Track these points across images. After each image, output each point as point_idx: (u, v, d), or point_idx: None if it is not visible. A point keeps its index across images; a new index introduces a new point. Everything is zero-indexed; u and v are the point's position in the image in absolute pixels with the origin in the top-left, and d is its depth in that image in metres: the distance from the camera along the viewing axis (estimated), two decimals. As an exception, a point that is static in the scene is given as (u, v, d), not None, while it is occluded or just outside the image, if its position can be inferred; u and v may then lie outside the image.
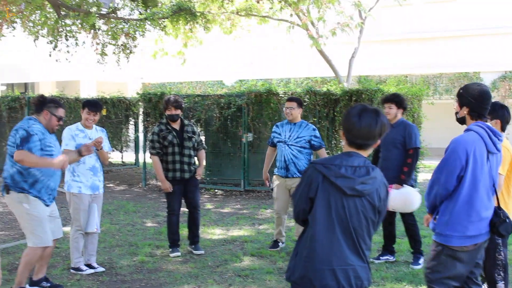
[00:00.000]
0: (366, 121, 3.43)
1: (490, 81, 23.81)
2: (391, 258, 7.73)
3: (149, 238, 9.16)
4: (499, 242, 5.30)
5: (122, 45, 15.88)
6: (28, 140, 5.89)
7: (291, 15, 15.40)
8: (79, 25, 14.69)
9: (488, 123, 4.49)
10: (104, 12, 14.82)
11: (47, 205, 6.16)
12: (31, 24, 15.66)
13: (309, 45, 15.23)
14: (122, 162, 19.57)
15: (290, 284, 3.59)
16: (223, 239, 9.13)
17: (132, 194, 13.96)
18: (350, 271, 3.40)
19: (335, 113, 12.43)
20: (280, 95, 12.91)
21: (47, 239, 6.09)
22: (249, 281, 6.89)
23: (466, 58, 23.56)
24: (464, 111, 4.49)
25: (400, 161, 7.36)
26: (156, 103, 14.42)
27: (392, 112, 7.54)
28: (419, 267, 7.36)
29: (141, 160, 16.37)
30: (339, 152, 3.54)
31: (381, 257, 7.73)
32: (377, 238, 8.66)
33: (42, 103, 6.22)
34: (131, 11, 16.04)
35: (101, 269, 7.29)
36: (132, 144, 19.47)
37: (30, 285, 6.40)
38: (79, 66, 23.69)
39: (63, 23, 14.66)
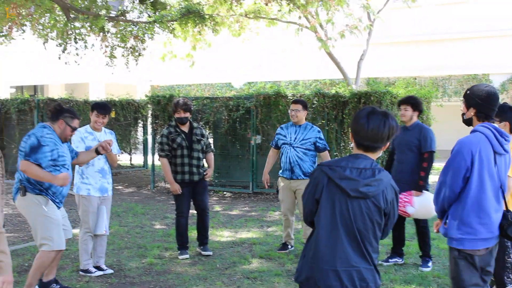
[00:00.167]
0: (374, 123, 3.42)
1: (499, 83, 23.72)
2: (399, 261, 7.71)
3: (158, 240, 9.18)
4: (508, 245, 5.29)
5: (131, 47, 15.92)
6: (37, 151, 5.92)
7: (300, 17, 15.41)
8: (88, 28, 14.73)
9: (496, 125, 4.45)
10: (113, 15, 14.87)
11: (58, 208, 6.20)
12: (40, 27, 15.72)
13: (318, 47, 15.25)
14: (131, 164, 19.62)
15: (298, 285, 3.61)
16: (232, 241, 9.13)
17: (140, 196, 13.99)
18: (354, 273, 3.40)
19: (344, 115, 12.41)
20: (288, 98, 12.89)
21: (62, 242, 6.10)
22: (257, 283, 6.89)
23: (475, 60, 23.48)
24: (471, 112, 4.44)
25: (415, 164, 7.34)
26: (165, 106, 14.44)
27: (407, 114, 7.51)
28: (428, 269, 7.35)
29: (149, 162, 16.39)
30: (347, 155, 3.56)
31: (390, 260, 7.71)
32: (386, 240, 8.64)
33: (59, 112, 6.26)
34: (140, 13, 16.09)
35: (110, 271, 7.31)
36: (140, 147, 19.50)
37: (39, 287, 6.42)
38: (88, 69, 23.76)
39: (72, 26, 14.69)
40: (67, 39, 15.17)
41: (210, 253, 8.16)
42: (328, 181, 3.46)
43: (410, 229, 7.91)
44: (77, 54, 15.36)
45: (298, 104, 8.22)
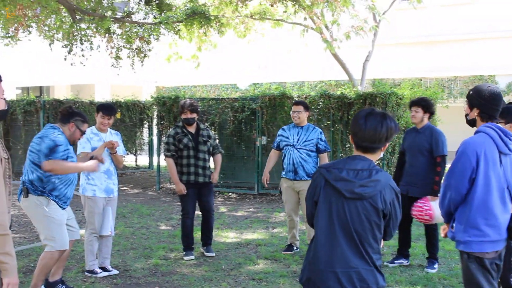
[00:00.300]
0: (371, 124, 3.45)
1: (505, 84, 23.65)
2: (405, 262, 7.69)
3: (163, 241, 9.18)
4: (512, 246, 5.27)
5: (136, 49, 15.96)
6: (55, 150, 5.99)
7: (305, 18, 15.39)
8: (94, 29, 14.78)
9: (500, 126, 4.41)
10: (119, 16, 14.91)
11: (63, 208, 6.21)
12: (46, 28, 15.78)
13: (323, 49, 15.22)
14: (136, 165, 19.66)
15: (302, 287, 3.63)
16: (237, 242, 9.13)
17: (146, 197, 14.00)
18: (353, 274, 3.40)
19: (349, 117, 12.39)
20: (294, 99, 12.88)
21: (65, 242, 6.11)
22: (263, 284, 6.89)
23: (481, 61, 23.40)
24: (475, 113, 4.40)
25: (426, 168, 7.31)
26: (170, 107, 14.46)
27: (418, 116, 7.45)
28: (433, 271, 7.33)
29: (155, 164, 16.42)
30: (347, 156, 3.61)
31: (395, 261, 7.69)
32: (391, 242, 8.64)
33: (70, 115, 6.30)
34: (146, 15, 16.12)
35: (115, 272, 7.32)
36: (146, 148, 19.54)
37: (45, 287, 6.44)
38: (94, 70, 23.82)
39: (78, 27, 14.74)
40: (73, 40, 15.23)
41: (213, 254, 8.17)
42: (325, 183, 3.50)
43: (415, 231, 7.90)
44: (82, 55, 15.41)
45: (300, 105, 8.23)
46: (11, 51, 18.07)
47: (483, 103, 4.34)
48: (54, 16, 15.12)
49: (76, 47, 15.44)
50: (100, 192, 7.12)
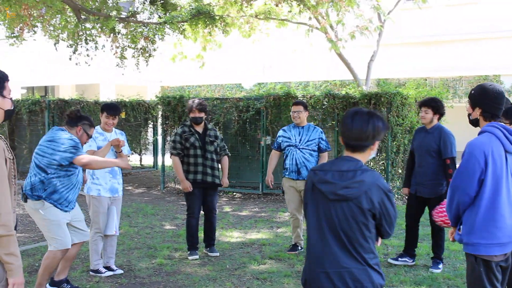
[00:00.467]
0: (358, 123, 3.47)
1: (510, 84, 23.56)
2: (410, 262, 7.66)
3: (168, 240, 9.19)
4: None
5: (141, 48, 15.98)
6: (79, 147, 6.08)
7: (310, 18, 15.39)
8: (99, 29, 14.81)
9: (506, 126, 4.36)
10: (124, 16, 14.93)
11: (66, 211, 6.19)
12: (51, 28, 15.82)
13: (328, 48, 15.22)
14: (141, 165, 19.68)
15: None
16: (241, 242, 9.13)
17: (150, 197, 14.01)
18: (345, 274, 3.39)
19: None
20: (298, 98, 12.88)
21: (66, 242, 6.13)
22: (267, 284, 6.89)
23: (486, 61, 23.34)
24: (477, 112, 4.35)
25: (435, 168, 7.29)
26: (175, 106, 14.47)
27: (427, 117, 7.42)
28: (438, 271, 7.32)
29: (159, 163, 16.43)
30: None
31: (399, 258, 7.66)
32: (396, 241, 8.65)
33: (78, 119, 6.35)
34: (151, 14, 16.15)
35: (120, 271, 7.33)
36: (151, 147, 19.57)
37: (50, 285, 6.46)
38: (99, 70, 23.84)
39: (83, 27, 14.78)
40: (78, 40, 15.26)
41: (217, 254, 8.17)
42: (312, 185, 3.54)
43: (420, 231, 7.88)
44: (87, 55, 15.44)
45: (300, 105, 8.25)
46: (17, 51, 18.11)
47: (486, 101, 4.29)
48: (59, 16, 15.16)
49: (81, 47, 15.47)
50: (105, 192, 7.13)
